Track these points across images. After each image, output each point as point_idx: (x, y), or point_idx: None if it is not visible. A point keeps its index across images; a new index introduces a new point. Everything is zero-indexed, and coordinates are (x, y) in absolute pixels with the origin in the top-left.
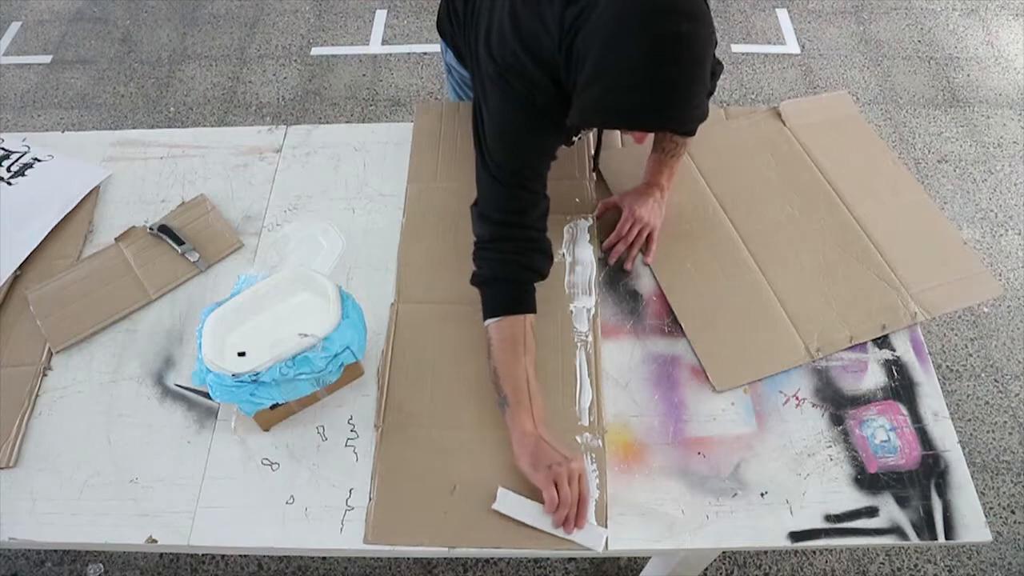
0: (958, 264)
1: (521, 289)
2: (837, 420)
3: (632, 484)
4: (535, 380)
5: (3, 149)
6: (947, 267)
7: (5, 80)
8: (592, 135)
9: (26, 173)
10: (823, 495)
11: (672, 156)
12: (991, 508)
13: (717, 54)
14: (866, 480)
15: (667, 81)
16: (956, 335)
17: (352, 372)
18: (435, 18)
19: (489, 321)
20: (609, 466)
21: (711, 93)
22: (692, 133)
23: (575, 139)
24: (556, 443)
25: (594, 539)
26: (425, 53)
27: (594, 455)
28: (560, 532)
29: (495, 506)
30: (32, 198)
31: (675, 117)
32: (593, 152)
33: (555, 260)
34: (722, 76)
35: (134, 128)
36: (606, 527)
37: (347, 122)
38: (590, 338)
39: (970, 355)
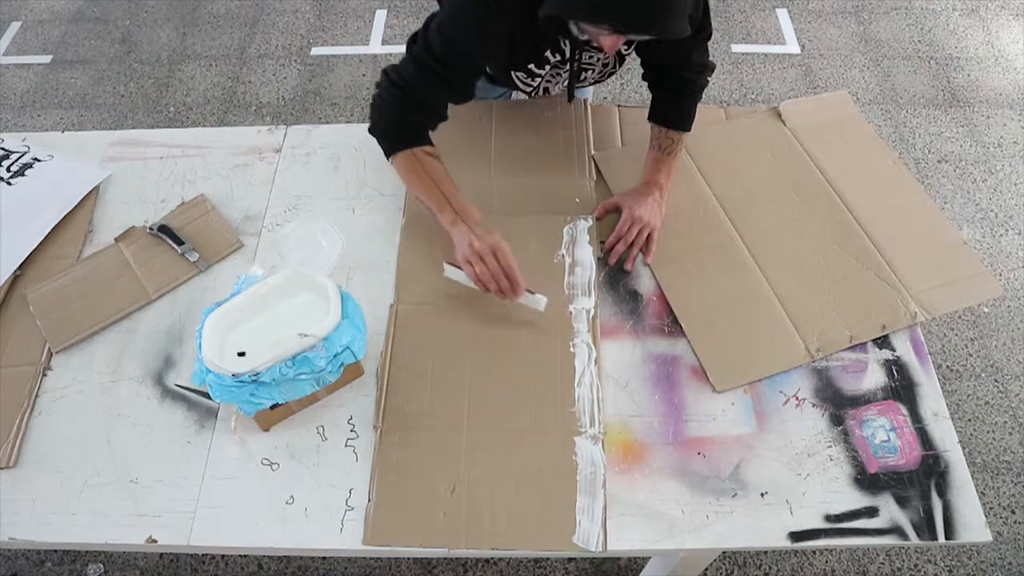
0: (958, 264)
1: (404, 132)
2: (837, 420)
3: (632, 484)
4: (448, 182)
5: (3, 149)
6: (947, 267)
7: (5, 80)
8: (563, 83)
9: (26, 173)
10: (823, 495)
11: (669, 154)
12: (991, 508)
13: (715, 53)
14: (866, 480)
15: None
16: (956, 335)
17: (352, 372)
18: None
19: (389, 160)
20: (609, 466)
21: (704, 32)
22: (685, 127)
23: (532, 84)
24: (478, 227)
25: (535, 302)
26: None
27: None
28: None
29: (445, 274)
30: (32, 198)
31: (649, 19)
32: (567, 87)
33: (556, 261)
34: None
35: (134, 128)
36: (546, 296)
37: (347, 122)
38: (590, 339)
39: (970, 355)
